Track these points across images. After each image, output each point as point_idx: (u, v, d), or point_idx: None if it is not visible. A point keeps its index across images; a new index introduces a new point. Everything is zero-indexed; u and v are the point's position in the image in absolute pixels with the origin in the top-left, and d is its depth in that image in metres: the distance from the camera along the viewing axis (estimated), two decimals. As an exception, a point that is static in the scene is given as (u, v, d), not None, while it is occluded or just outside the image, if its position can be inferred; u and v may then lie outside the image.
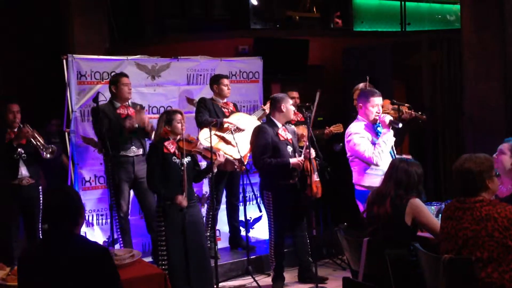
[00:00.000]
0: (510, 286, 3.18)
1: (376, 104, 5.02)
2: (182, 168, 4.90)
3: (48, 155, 5.51)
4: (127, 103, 5.69)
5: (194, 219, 4.98)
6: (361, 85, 5.89)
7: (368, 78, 5.85)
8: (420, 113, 5.48)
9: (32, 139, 5.49)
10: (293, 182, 5.45)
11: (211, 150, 5.17)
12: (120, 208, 5.62)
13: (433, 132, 7.58)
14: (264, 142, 5.38)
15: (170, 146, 4.93)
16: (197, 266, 4.89)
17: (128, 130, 5.54)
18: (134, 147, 5.63)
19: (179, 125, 4.96)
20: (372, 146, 4.96)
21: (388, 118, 4.99)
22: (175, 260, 4.84)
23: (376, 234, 3.99)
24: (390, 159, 4.89)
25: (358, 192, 5.10)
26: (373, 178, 4.93)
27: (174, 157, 4.93)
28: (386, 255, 3.79)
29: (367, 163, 4.98)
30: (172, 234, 4.88)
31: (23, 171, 5.53)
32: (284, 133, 5.48)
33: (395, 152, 5.12)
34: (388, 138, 4.96)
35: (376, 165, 4.92)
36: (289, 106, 5.47)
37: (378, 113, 5.02)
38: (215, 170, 5.22)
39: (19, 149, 5.49)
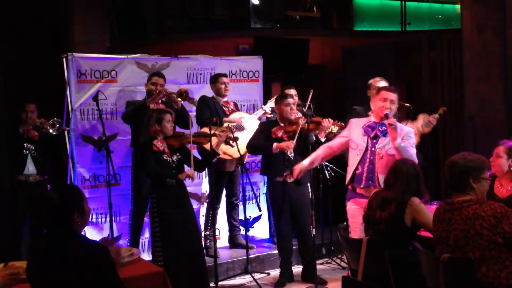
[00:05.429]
0: (507, 284, 3.16)
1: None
2: (174, 165, 4.99)
3: (54, 132, 5.52)
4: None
5: (189, 217, 5.04)
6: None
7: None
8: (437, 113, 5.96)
9: (38, 125, 5.56)
10: (280, 179, 5.42)
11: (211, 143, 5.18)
12: (137, 206, 5.71)
13: (433, 132, 7.57)
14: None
15: (159, 144, 4.99)
16: (192, 263, 4.91)
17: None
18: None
19: (169, 124, 5.04)
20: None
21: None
22: (170, 258, 4.87)
23: (376, 235, 3.99)
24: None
25: None
26: None
27: (164, 155, 4.99)
28: (386, 255, 3.78)
29: None
30: (167, 232, 4.91)
31: (30, 167, 5.55)
32: (279, 131, 5.49)
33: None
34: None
35: None
36: (282, 107, 5.53)
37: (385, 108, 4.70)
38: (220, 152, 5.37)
39: (28, 145, 5.51)
